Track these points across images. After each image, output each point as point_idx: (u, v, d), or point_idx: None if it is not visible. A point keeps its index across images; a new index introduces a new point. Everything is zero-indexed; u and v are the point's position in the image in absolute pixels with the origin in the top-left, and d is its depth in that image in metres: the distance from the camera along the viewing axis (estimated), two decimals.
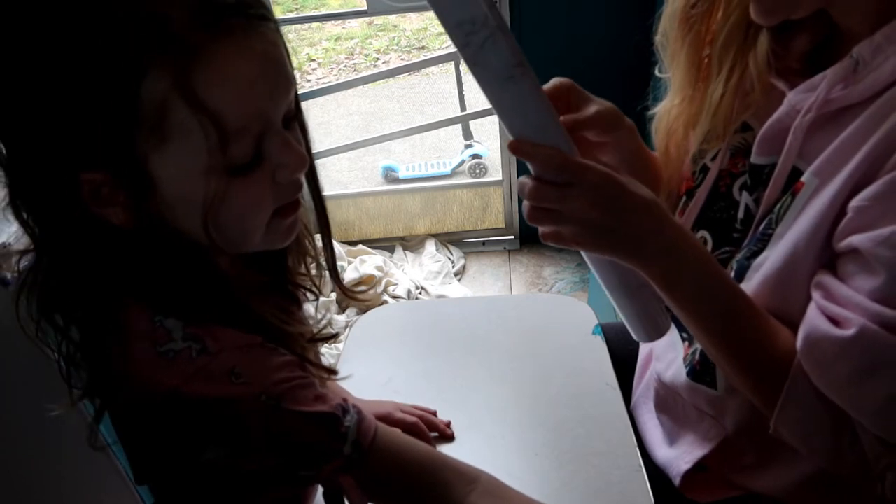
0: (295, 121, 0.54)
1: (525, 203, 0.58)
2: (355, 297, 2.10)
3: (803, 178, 0.60)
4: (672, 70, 0.75)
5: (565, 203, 0.56)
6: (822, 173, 0.59)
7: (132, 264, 0.51)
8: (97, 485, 1.11)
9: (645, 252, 0.59)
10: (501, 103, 0.55)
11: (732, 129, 0.71)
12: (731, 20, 0.67)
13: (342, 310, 2.19)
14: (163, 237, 0.51)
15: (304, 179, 0.59)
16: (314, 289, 0.68)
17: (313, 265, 0.67)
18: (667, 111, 0.78)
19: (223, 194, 0.48)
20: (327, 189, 0.63)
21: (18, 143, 0.47)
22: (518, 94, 0.54)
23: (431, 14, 0.52)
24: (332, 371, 0.62)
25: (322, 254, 0.67)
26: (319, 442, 0.55)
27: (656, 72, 0.79)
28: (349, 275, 2.24)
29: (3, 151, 0.47)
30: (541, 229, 0.59)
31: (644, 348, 0.92)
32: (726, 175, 0.72)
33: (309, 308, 0.69)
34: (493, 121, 2.39)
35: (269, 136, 0.50)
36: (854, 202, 0.55)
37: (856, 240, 0.54)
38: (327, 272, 0.68)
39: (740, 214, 0.70)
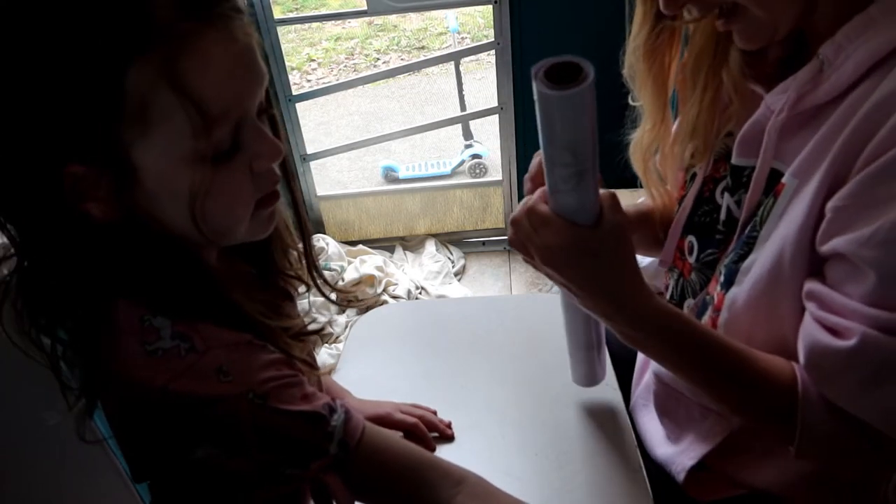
0: (265, 115, 0.55)
1: None
2: (347, 305, 2.10)
3: (784, 180, 0.61)
4: (643, 99, 0.77)
5: (526, 245, 0.64)
6: (801, 174, 0.59)
7: (117, 261, 0.51)
8: (95, 484, 1.11)
9: (602, 316, 0.64)
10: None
11: (717, 141, 0.73)
12: (697, 46, 0.70)
13: (342, 310, 2.19)
14: (145, 231, 0.51)
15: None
16: (302, 280, 0.68)
17: (299, 260, 0.68)
18: (640, 138, 0.79)
19: (208, 185, 0.49)
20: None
21: None
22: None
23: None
24: (314, 366, 0.62)
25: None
26: (306, 440, 0.55)
27: (630, 101, 0.80)
28: (349, 275, 2.24)
29: None
30: None
31: None
32: (710, 180, 0.74)
33: (303, 304, 0.69)
34: (493, 121, 2.38)
35: (244, 125, 0.51)
36: (831, 203, 0.55)
37: (838, 244, 0.54)
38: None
39: (722, 216, 0.71)
